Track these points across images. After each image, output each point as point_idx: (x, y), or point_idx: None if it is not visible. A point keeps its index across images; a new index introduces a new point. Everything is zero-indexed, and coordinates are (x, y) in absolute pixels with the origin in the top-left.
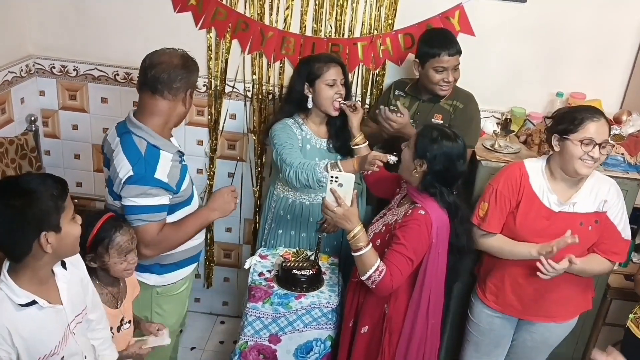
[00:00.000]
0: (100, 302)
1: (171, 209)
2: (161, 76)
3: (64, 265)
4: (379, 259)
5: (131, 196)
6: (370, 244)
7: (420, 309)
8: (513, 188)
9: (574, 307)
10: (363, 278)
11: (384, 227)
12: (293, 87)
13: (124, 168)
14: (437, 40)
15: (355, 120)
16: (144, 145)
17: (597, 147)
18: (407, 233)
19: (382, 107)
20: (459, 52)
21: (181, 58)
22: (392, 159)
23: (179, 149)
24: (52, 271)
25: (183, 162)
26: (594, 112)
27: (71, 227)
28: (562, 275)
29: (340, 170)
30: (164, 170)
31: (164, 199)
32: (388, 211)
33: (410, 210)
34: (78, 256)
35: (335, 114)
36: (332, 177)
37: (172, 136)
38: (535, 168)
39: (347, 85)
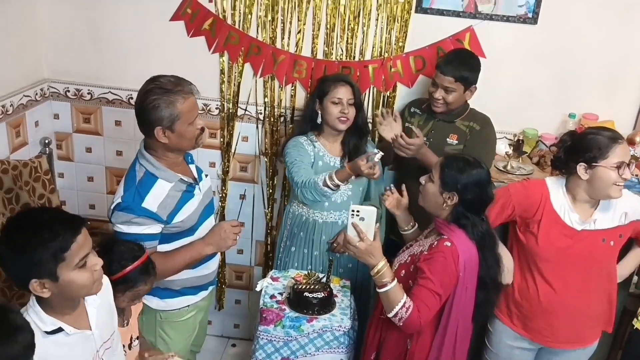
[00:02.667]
0: (117, 325)
1: (169, 237)
2: (136, 113)
3: None
4: (405, 295)
5: (118, 223)
6: (396, 280)
7: (445, 346)
8: (529, 204)
9: (600, 326)
10: (389, 315)
11: (409, 258)
12: (307, 107)
13: (117, 194)
14: (446, 56)
15: (400, 213)
16: (142, 173)
17: (627, 167)
18: (432, 266)
19: (395, 135)
20: (456, 78)
21: (146, 95)
22: (378, 156)
23: (182, 178)
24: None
25: (190, 192)
26: (614, 134)
27: (75, 275)
28: (593, 294)
29: (334, 180)
30: (155, 199)
31: (153, 229)
32: (415, 242)
33: (435, 242)
34: (107, 280)
35: (341, 127)
36: (353, 210)
37: (189, 163)
38: (556, 187)
39: (356, 105)
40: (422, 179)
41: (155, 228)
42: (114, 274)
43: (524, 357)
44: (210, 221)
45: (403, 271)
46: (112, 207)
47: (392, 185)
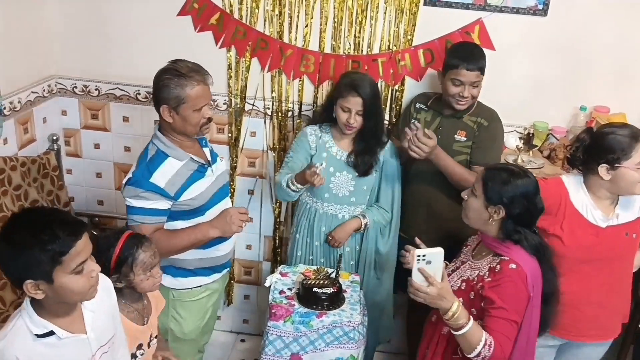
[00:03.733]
0: (122, 328)
1: (178, 215)
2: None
3: None
4: (483, 332)
5: (128, 197)
6: (472, 319)
7: None
8: (549, 205)
9: (620, 318)
10: (471, 356)
11: (463, 284)
12: (327, 98)
13: (130, 171)
14: (460, 52)
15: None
16: (153, 151)
17: None
18: (503, 294)
19: (407, 130)
20: (480, 70)
21: (161, 73)
22: (320, 168)
23: (193, 157)
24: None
25: (202, 172)
26: (634, 131)
27: (70, 280)
28: (614, 287)
29: (294, 184)
30: (163, 175)
31: (160, 204)
32: (462, 264)
33: (498, 266)
34: (110, 283)
35: (346, 132)
36: (418, 256)
37: (203, 146)
38: (574, 185)
39: (366, 115)
40: (464, 194)
41: (162, 204)
42: (109, 263)
43: (547, 355)
44: (224, 204)
45: (461, 299)
46: (124, 182)
47: (407, 246)
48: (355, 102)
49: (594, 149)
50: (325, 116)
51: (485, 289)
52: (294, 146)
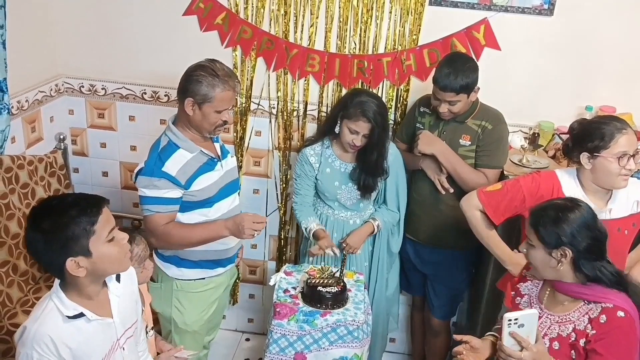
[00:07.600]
0: (142, 314)
1: (186, 206)
2: (181, 78)
3: (118, 278)
4: None
5: (141, 187)
6: None
7: None
8: (541, 196)
9: None
10: None
11: (555, 343)
12: (332, 112)
13: (142, 162)
14: (442, 68)
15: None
16: (165, 142)
17: (631, 158)
18: (613, 346)
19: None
20: (456, 91)
21: (196, 68)
22: (331, 253)
23: (202, 150)
24: (106, 283)
25: (211, 165)
26: (620, 123)
27: (107, 248)
28: None
29: (310, 236)
30: (175, 165)
31: (173, 193)
32: (544, 316)
33: (602, 316)
34: (132, 269)
35: (350, 151)
36: (509, 319)
37: (214, 142)
38: (567, 177)
39: (372, 139)
40: (522, 248)
41: (175, 193)
42: None
43: None
44: (232, 199)
45: None
46: (135, 172)
47: (454, 350)
48: (364, 127)
49: (579, 136)
50: (327, 131)
51: (591, 343)
52: (297, 171)
